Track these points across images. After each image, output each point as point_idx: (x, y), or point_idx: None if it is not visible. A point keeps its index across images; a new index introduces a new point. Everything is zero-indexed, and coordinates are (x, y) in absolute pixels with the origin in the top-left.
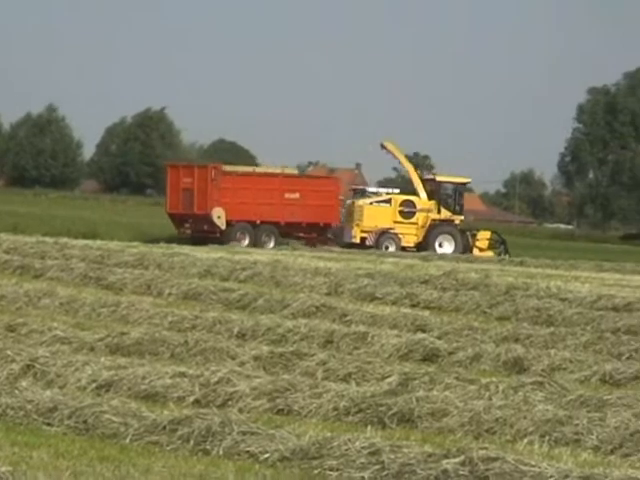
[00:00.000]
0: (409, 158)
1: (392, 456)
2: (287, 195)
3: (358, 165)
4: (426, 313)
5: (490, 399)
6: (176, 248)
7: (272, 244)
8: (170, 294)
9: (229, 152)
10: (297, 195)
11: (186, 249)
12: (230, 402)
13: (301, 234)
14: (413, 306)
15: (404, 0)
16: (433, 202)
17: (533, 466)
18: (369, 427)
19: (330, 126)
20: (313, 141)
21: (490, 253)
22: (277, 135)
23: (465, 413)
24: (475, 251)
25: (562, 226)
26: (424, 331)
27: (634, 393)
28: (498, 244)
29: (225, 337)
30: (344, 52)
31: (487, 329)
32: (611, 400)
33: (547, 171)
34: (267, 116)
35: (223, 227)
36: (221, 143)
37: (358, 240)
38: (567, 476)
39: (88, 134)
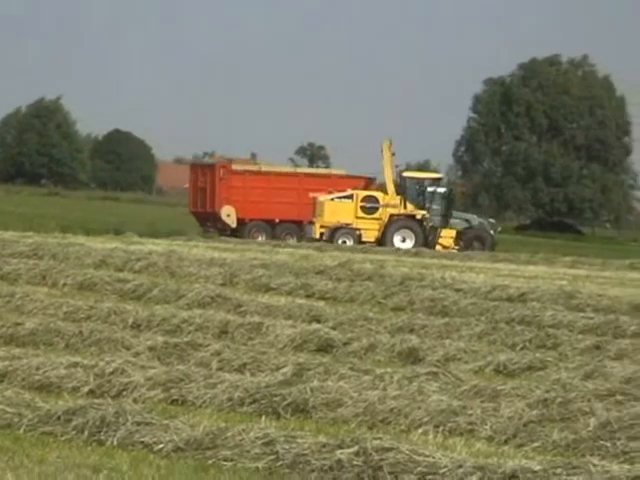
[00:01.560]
0: (305, 149)
1: (286, 446)
2: (312, 194)
3: (254, 155)
4: (321, 304)
5: (384, 389)
6: (71, 238)
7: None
8: (65, 284)
9: (124, 143)
10: None
11: (81, 239)
12: (125, 392)
13: None
14: (308, 297)
15: None
16: (399, 197)
17: (427, 456)
18: (263, 417)
19: (225, 116)
20: (208, 131)
21: (453, 250)
22: (172, 125)
23: (359, 403)
24: (438, 247)
25: None
26: (319, 321)
27: (528, 383)
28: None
29: (120, 327)
30: (239, 41)
31: (382, 319)
32: (505, 390)
33: (442, 162)
34: (162, 106)
35: (233, 225)
36: (117, 133)
37: (317, 235)
38: (461, 466)
39: None
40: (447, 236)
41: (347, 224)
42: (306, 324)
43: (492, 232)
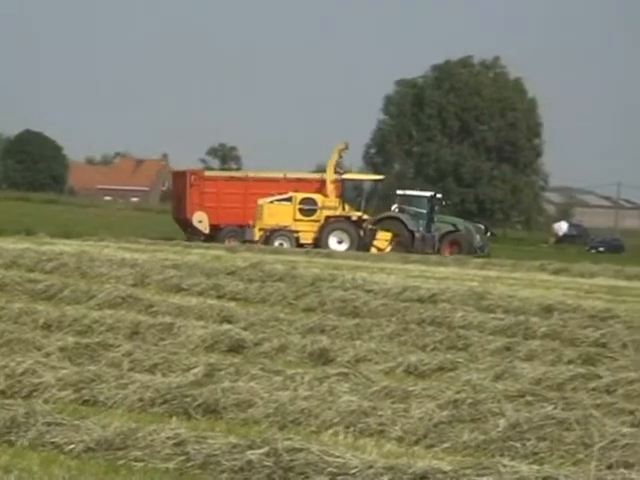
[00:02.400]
0: (217, 150)
1: (197, 447)
2: None
3: (165, 156)
4: (232, 304)
5: (295, 390)
6: None
7: None
8: None
9: (35, 143)
10: None
11: None
12: (35, 393)
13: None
14: (219, 297)
15: None
16: (338, 200)
17: (338, 457)
18: (174, 418)
19: (138, 116)
20: (121, 131)
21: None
22: (84, 126)
23: (270, 404)
24: (372, 249)
25: None
26: (230, 322)
27: (438, 384)
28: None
29: (31, 328)
30: (148, 41)
31: (293, 320)
32: (415, 391)
33: (354, 163)
34: (74, 107)
35: (206, 231)
36: (28, 134)
37: (257, 238)
38: (371, 467)
39: None
40: (382, 239)
41: (285, 226)
42: (217, 325)
43: (478, 237)
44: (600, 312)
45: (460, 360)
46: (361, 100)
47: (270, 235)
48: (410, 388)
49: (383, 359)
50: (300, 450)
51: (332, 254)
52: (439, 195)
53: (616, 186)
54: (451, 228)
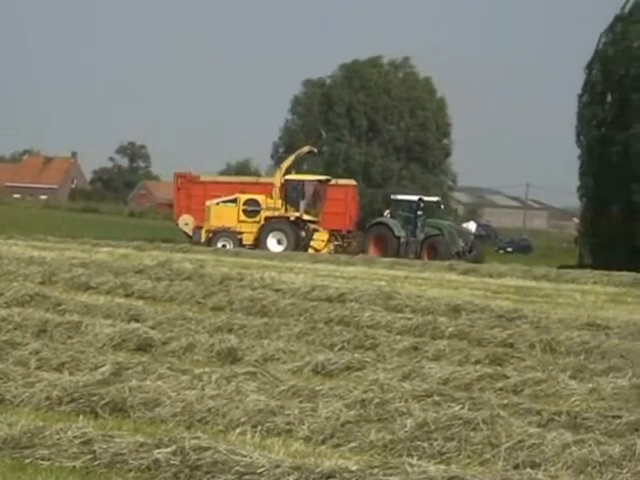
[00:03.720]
0: (126, 148)
1: (104, 446)
2: None
3: (74, 154)
4: (140, 303)
5: (203, 389)
6: None
7: None
8: None
9: None
10: None
11: None
12: None
13: None
14: (127, 296)
15: None
16: (281, 201)
17: (245, 456)
18: (81, 416)
19: (45, 113)
20: (28, 128)
21: (324, 251)
22: None
23: (177, 403)
24: (310, 250)
25: None
26: (138, 321)
27: (346, 384)
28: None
29: None
30: (55, 38)
31: (201, 319)
32: (323, 390)
33: (263, 162)
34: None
35: (192, 233)
36: None
37: (203, 239)
38: (278, 466)
39: None
40: (319, 239)
41: (228, 228)
42: (125, 323)
43: (461, 242)
44: (508, 312)
45: (368, 360)
46: (272, 97)
47: (213, 236)
48: (317, 387)
49: (291, 358)
50: (207, 449)
51: (241, 253)
52: (434, 199)
53: (524, 187)
54: (436, 232)
